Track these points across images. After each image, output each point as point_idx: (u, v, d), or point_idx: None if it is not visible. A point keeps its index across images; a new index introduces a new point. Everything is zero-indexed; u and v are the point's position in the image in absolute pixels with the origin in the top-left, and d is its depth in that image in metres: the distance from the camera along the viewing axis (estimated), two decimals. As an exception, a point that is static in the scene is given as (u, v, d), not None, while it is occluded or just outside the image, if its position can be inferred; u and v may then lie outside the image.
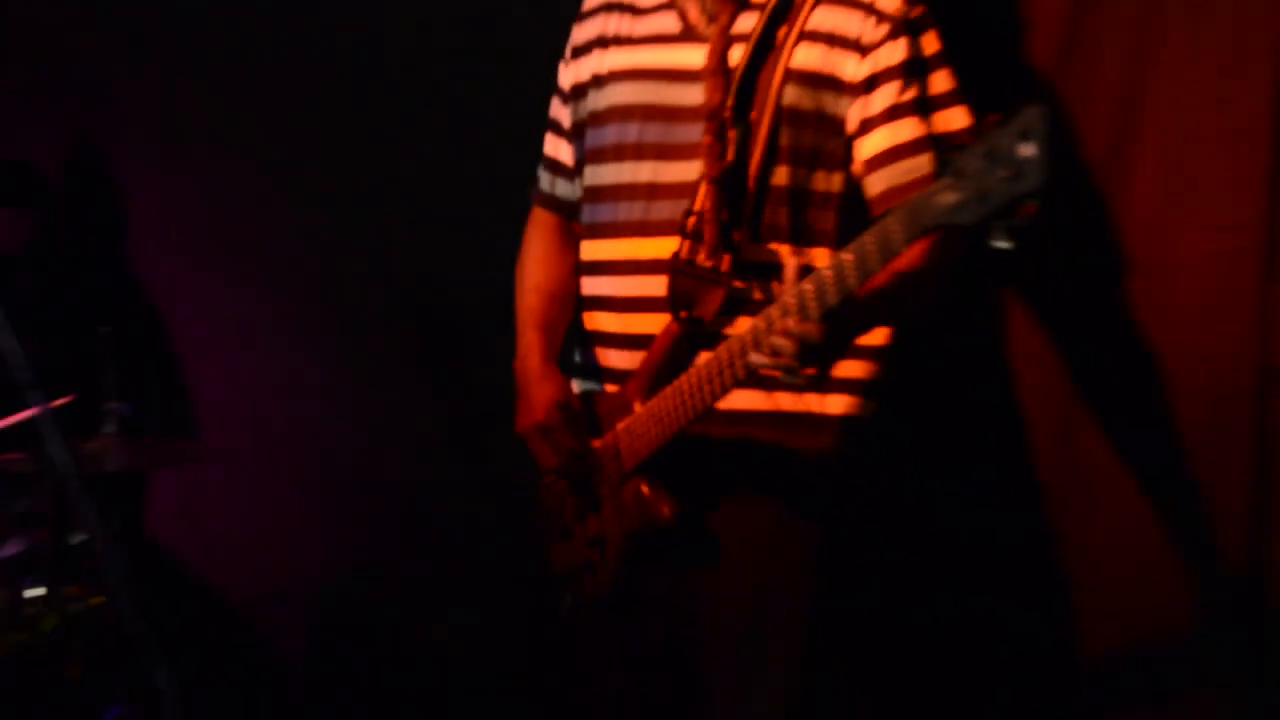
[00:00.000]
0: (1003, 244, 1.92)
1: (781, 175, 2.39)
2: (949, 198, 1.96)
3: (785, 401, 2.40)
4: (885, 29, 2.33)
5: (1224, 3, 2.43)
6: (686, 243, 2.38)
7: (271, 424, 3.63)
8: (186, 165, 3.71)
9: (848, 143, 2.40)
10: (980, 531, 2.75)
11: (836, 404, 2.43)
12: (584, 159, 2.58)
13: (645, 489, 2.42)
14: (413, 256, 3.41)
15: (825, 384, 2.42)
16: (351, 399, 3.57)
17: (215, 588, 3.79)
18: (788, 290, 2.24)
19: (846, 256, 2.15)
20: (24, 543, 3.11)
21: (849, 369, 2.43)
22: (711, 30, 2.43)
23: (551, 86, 2.67)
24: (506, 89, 2.98)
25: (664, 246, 2.42)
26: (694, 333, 2.40)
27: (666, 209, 2.42)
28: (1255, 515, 2.44)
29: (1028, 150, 1.87)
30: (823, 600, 2.45)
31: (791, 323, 2.20)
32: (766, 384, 2.37)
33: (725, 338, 2.34)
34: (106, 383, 3.07)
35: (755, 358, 2.24)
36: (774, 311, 2.23)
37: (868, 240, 2.11)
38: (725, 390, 2.29)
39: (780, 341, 2.20)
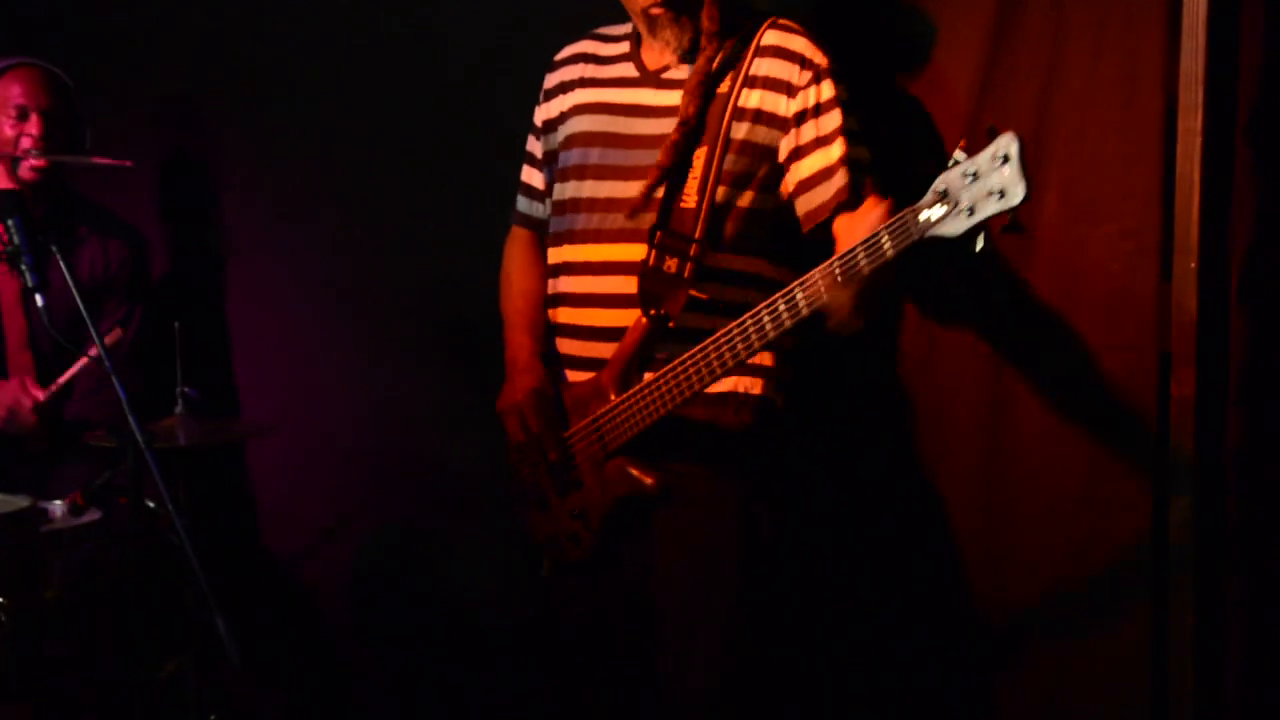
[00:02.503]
0: (981, 246, 2.18)
1: (728, 195, 2.62)
2: (936, 213, 2.19)
3: (718, 385, 2.60)
4: (810, 74, 2.59)
5: (1118, 47, 2.57)
6: (653, 251, 2.60)
7: (319, 405, 3.83)
8: (249, 184, 3.94)
9: (780, 169, 2.63)
10: (888, 493, 2.94)
11: (755, 386, 2.66)
12: (553, 180, 2.79)
13: (632, 466, 2.63)
14: (440, 265, 3.63)
15: (751, 370, 2.64)
16: (388, 384, 3.78)
17: (268, 544, 3.99)
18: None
19: (834, 268, 2.33)
20: (106, 509, 3.17)
21: (766, 359, 2.65)
22: (672, 76, 2.66)
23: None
24: (512, 131, 3.10)
25: (617, 251, 2.68)
26: (661, 328, 2.60)
27: (620, 220, 2.66)
28: (1160, 479, 2.58)
29: (1009, 171, 2.14)
30: (748, 550, 2.66)
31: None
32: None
33: (690, 331, 2.56)
34: (177, 370, 3.23)
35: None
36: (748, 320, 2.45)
37: (860, 251, 2.30)
38: (715, 378, 2.49)
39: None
